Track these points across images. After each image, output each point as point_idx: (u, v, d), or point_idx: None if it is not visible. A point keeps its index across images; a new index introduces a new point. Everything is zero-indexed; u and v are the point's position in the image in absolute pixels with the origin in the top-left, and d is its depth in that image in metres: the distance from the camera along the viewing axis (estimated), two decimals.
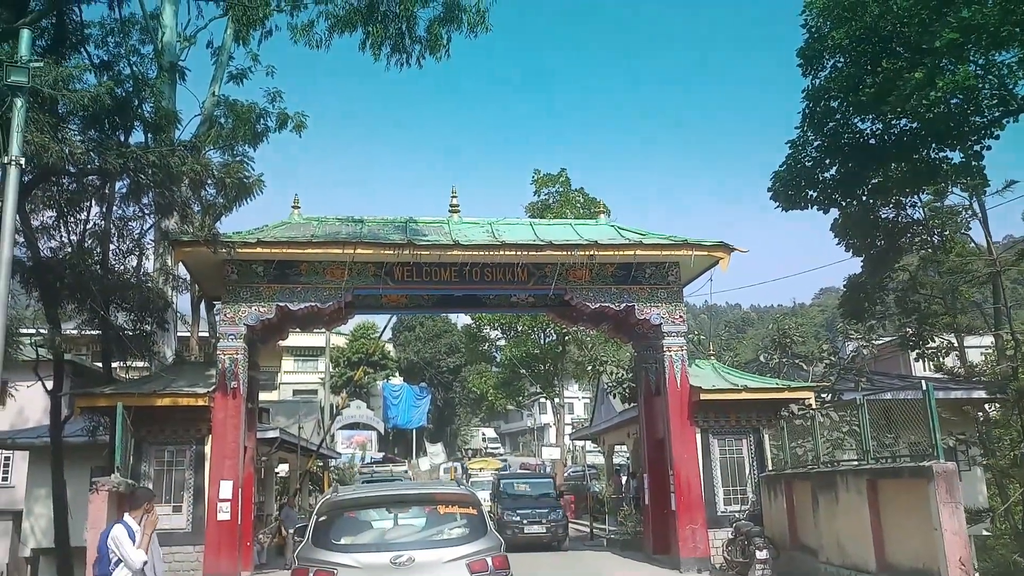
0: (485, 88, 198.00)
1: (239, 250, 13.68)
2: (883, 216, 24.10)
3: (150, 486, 13.46)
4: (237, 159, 20.31)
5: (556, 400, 50.45)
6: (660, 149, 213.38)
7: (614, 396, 20.11)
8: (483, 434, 77.08)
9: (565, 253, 14.37)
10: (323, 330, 16.24)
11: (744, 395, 14.72)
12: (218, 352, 14.05)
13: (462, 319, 74.74)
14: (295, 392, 57.44)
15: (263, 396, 24.80)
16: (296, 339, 61.76)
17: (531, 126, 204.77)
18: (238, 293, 14.20)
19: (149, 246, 16.20)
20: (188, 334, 20.80)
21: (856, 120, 23.23)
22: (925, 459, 8.78)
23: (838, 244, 25.27)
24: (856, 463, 11.01)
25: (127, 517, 7.02)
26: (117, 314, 15.36)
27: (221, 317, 14.15)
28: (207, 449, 13.66)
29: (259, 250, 13.85)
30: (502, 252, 14.24)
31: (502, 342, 52.63)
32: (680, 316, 15.08)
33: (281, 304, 14.23)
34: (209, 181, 12.48)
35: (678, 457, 14.59)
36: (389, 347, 64.63)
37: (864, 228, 23.84)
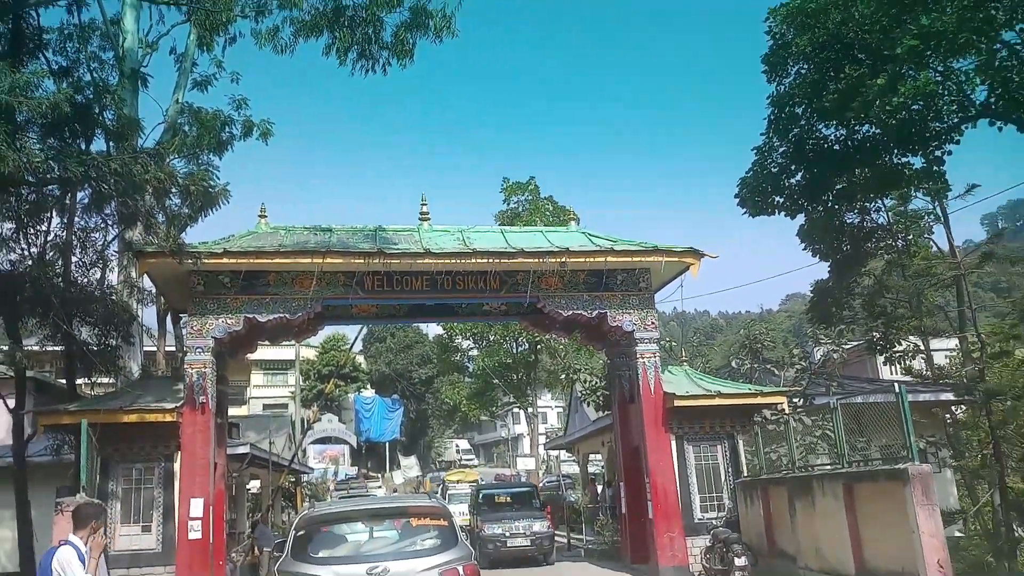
0: (453, 96, 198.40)
1: (205, 260, 13.40)
2: (848, 221, 24.39)
3: (118, 506, 13.12)
4: (202, 168, 20.05)
5: (529, 410, 50.34)
6: (627, 157, 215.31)
7: (588, 404, 20.04)
8: (457, 446, 76.61)
9: (537, 260, 14.29)
10: (293, 342, 15.95)
11: (717, 401, 14.74)
12: (185, 366, 13.73)
13: (434, 329, 74.39)
14: (265, 406, 56.65)
15: (233, 411, 24.36)
16: (265, 352, 60.93)
17: (499, 135, 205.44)
18: (205, 305, 13.91)
19: (113, 258, 15.82)
20: (155, 348, 20.37)
21: (820, 126, 23.53)
22: (900, 462, 8.81)
23: (804, 249, 25.51)
24: (831, 467, 11.03)
25: (73, 537, 6.23)
26: (81, 328, 14.96)
27: (188, 330, 13.84)
28: (176, 466, 13.32)
29: (226, 260, 13.58)
30: (474, 260, 14.12)
31: (474, 352, 52.52)
32: (652, 323, 15.06)
33: (249, 316, 13.96)
34: (173, 190, 12.19)
35: (654, 464, 14.54)
36: (360, 359, 64.09)
37: (830, 233, 24.10)
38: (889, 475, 8.78)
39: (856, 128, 23.24)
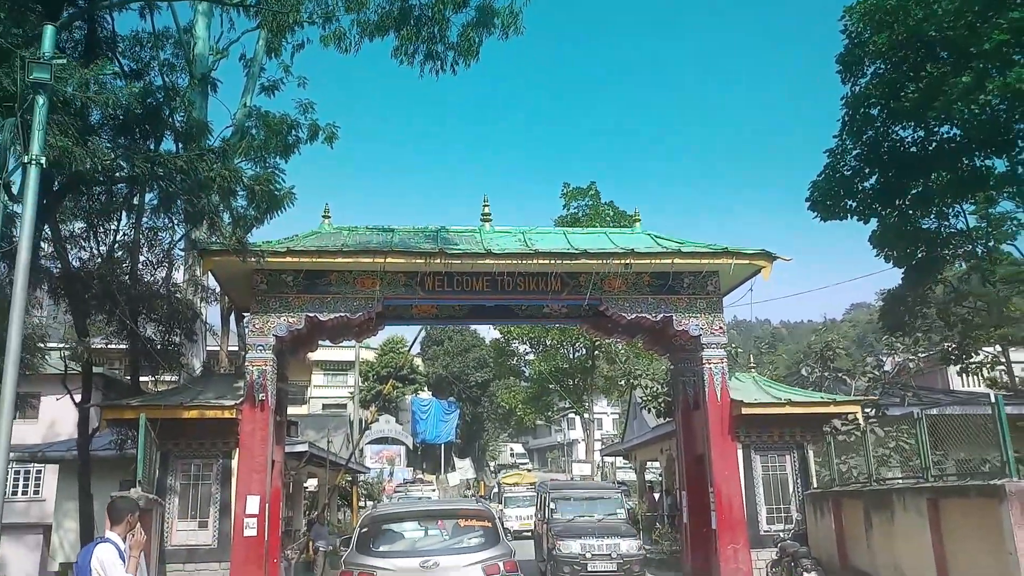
0: (516, 101, 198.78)
1: (268, 259, 13.43)
2: (924, 226, 23.38)
3: (176, 500, 13.21)
4: (268, 170, 20.29)
5: (585, 415, 49.86)
6: (689, 163, 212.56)
7: (648, 411, 19.55)
8: (511, 449, 76.43)
9: (600, 262, 13.94)
10: (353, 342, 15.88)
11: (787, 409, 14.14)
12: (246, 363, 13.78)
13: (491, 333, 74.59)
14: (324, 406, 57.40)
15: (292, 410, 24.61)
16: (325, 353, 61.86)
17: (561, 140, 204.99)
18: (267, 304, 13.94)
19: (179, 257, 16.05)
20: (218, 347, 20.65)
21: (897, 128, 22.65)
22: (994, 477, 8.19)
23: (877, 255, 24.57)
24: (914, 481, 10.41)
25: (110, 533, 5.78)
26: (146, 326, 15.20)
27: (250, 328, 13.89)
28: (234, 463, 13.36)
29: (289, 259, 13.59)
30: (535, 261, 13.85)
31: (531, 356, 52.28)
32: (720, 327, 14.56)
33: (310, 314, 13.94)
34: (238, 188, 12.22)
35: (719, 473, 14.02)
36: (418, 361, 64.47)
37: (904, 239, 23.13)
38: (982, 491, 8.17)
39: (935, 129, 22.34)
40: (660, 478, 31.03)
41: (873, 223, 23.63)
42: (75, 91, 8.56)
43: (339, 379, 61.94)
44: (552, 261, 13.87)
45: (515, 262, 13.84)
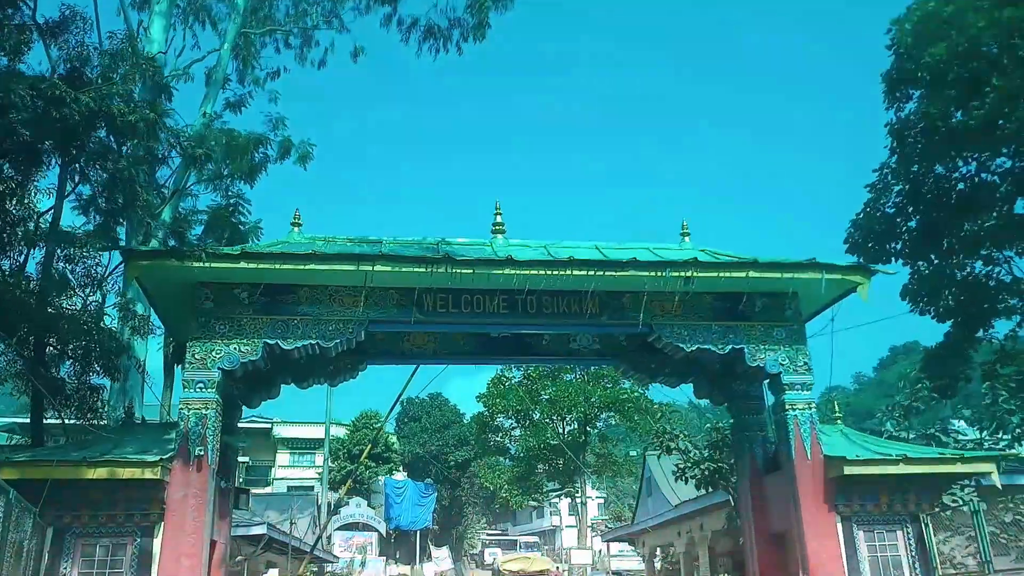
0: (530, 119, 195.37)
1: (216, 264, 10.05)
2: (968, 276, 20.62)
3: None
4: (232, 200, 17.04)
5: (577, 497, 45.74)
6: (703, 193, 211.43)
7: (685, 481, 16.00)
8: (483, 540, 71.02)
9: (654, 274, 10.68)
10: (326, 383, 12.12)
11: (902, 468, 10.70)
12: (180, 405, 10.16)
13: (472, 408, 70.27)
14: (289, 488, 52.54)
15: (254, 492, 20.75)
16: (292, 431, 57.47)
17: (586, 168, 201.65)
18: (213, 327, 10.43)
19: (104, 278, 12.54)
20: (159, 403, 16.94)
21: (947, 160, 20.13)
22: None
23: (912, 310, 21.72)
24: None
25: None
26: (57, 361, 11.65)
27: (189, 358, 10.32)
28: (157, 543, 9.54)
29: (244, 265, 10.18)
30: (569, 272, 10.57)
31: (517, 431, 48.39)
32: (804, 363, 11.26)
33: (271, 341, 10.44)
34: (175, 152, 8.94)
35: (814, 556, 10.45)
36: (393, 438, 60.03)
37: (944, 289, 20.40)
38: None
39: (988, 162, 19.92)
40: (663, 564, 27.16)
41: (905, 273, 20.96)
42: None
43: (306, 458, 57.26)
44: (591, 272, 10.59)
45: (544, 272, 10.50)
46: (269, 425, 55.85)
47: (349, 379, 12.58)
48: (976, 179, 20.08)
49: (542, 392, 44.09)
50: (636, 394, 40.63)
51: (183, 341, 11.22)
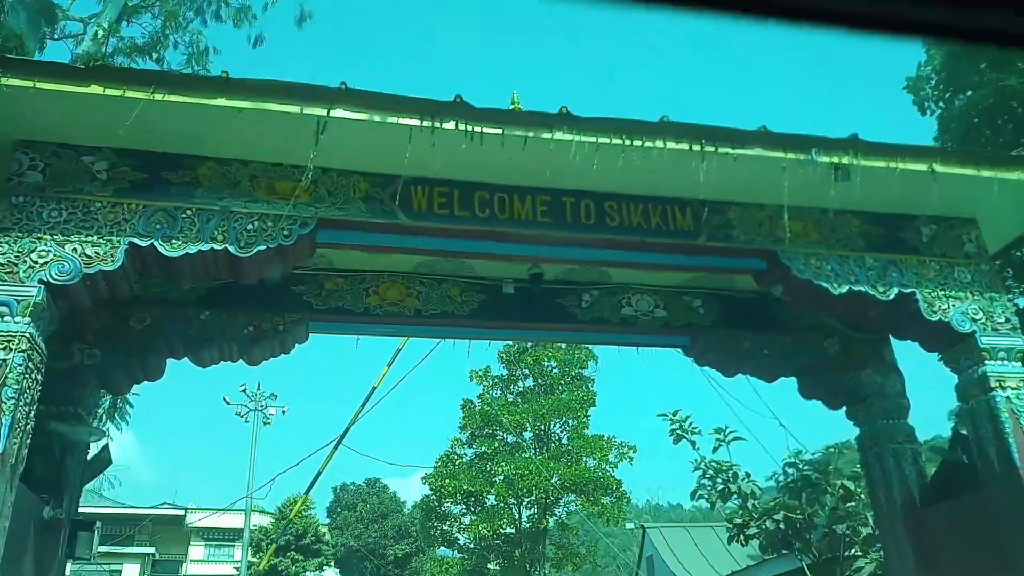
0: None
1: (47, 85, 5.57)
2: None
3: None
4: None
5: None
6: None
7: (743, 542, 11.49)
8: None
9: (794, 155, 6.54)
10: (240, 356, 7.09)
11: None
12: None
13: (414, 496, 63.36)
14: None
15: None
16: (207, 520, 50.51)
17: None
18: (38, 213, 5.83)
19: None
20: None
21: None
22: None
23: None
24: None
25: None
26: None
27: None
28: None
29: (97, 90, 5.68)
30: (663, 144, 6.34)
31: (467, 519, 42.70)
32: (1007, 319, 7.17)
33: (142, 242, 5.87)
34: None
35: None
36: (324, 529, 53.28)
37: None
38: None
39: None
40: None
41: None
42: None
43: (224, 551, 50.27)
44: (697, 146, 6.37)
45: (622, 141, 6.20)
46: (182, 512, 49.25)
47: (278, 353, 7.91)
48: None
49: (498, 472, 39.22)
50: (599, 473, 36.43)
51: None
